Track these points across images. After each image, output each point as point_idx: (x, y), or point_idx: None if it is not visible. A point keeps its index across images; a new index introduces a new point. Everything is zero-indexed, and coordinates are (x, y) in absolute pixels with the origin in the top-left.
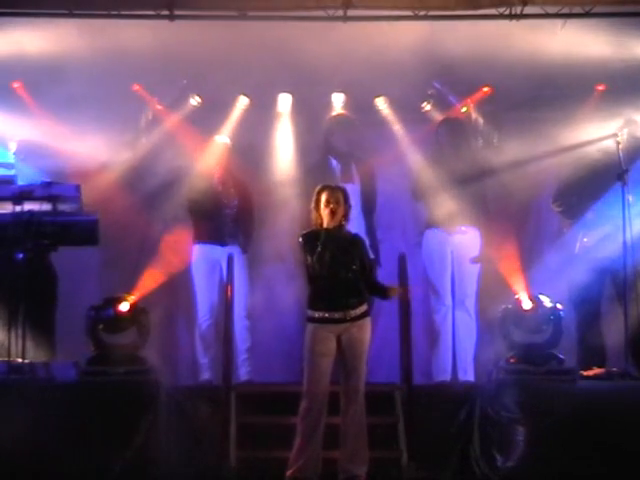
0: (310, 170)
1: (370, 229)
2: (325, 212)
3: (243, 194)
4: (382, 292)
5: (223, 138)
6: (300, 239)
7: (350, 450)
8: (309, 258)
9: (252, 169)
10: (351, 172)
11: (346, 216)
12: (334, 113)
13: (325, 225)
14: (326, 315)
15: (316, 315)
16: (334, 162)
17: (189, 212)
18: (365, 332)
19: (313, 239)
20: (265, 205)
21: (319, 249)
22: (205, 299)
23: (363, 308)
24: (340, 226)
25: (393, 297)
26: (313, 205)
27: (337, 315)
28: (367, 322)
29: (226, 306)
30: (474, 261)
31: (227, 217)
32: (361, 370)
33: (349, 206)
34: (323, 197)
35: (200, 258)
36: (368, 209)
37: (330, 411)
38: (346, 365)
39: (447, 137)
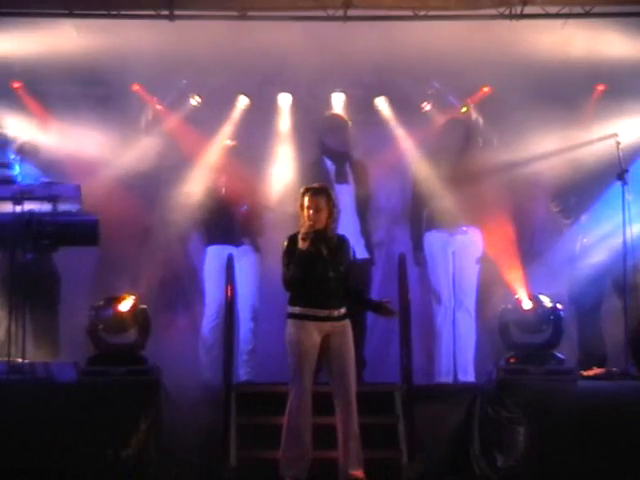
0: (305, 169)
1: (364, 229)
2: (304, 218)
3: (252, 197)
4: (365, 303)
5: (229, 141)
6: (285, 242)
7: (347, 452)
8: (288, 262)
9: (252, 169)
10: (345, 173)
11: (332, 217)
12: (328, 113)
13: (302, 233)
14: (310, 312)
15: (299, 311)
16: (329, 162)
17: (201, 215)
18: (350, 336)
19: (294, 244)
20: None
21: (296, 255)
22: (214, 299)
23: (343, 310)
24: (325, 228)
25: (388, 316)
26: (299, 206)
27: (321, 313)
28: (349, 324)
29: (227, 306)
30: (478, 261)
31: (238, 220)
32: (351, 373)
33: (334, 206)
34: (305, 201)
35: (212, 259)
36: (362, 210)
37: (324, 411)
38: (336, 371)
39: (452, 137)
